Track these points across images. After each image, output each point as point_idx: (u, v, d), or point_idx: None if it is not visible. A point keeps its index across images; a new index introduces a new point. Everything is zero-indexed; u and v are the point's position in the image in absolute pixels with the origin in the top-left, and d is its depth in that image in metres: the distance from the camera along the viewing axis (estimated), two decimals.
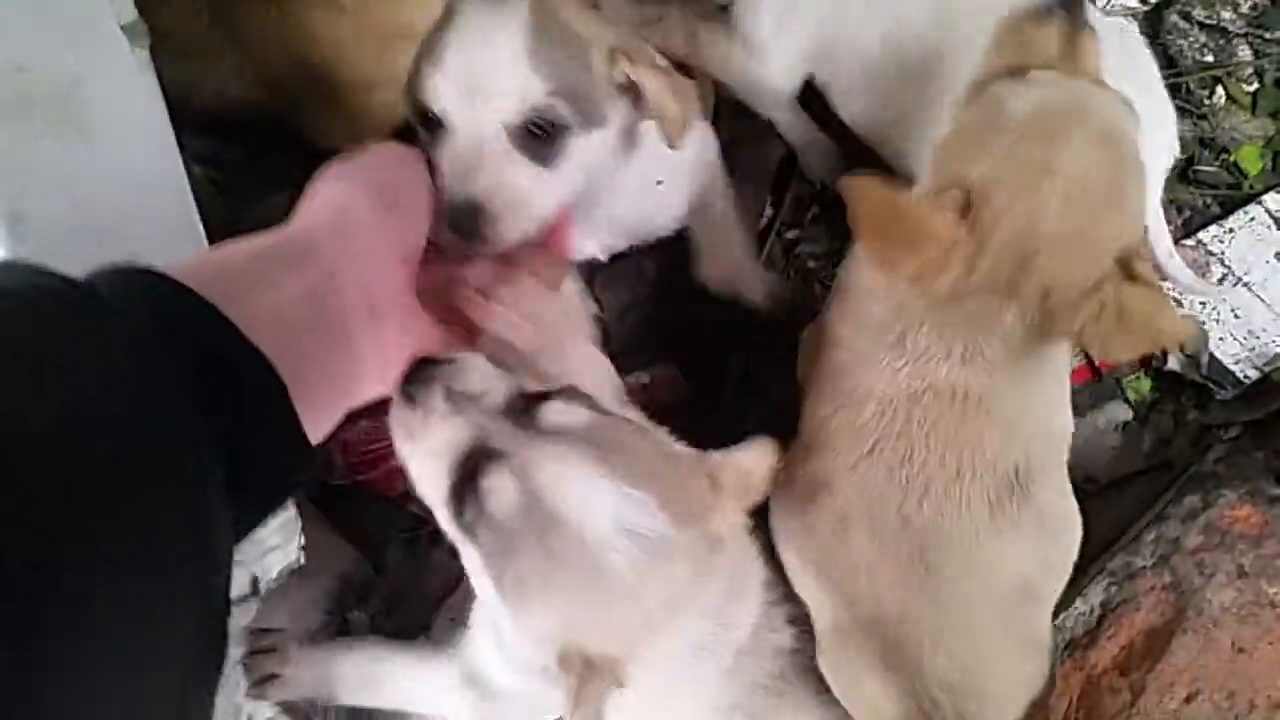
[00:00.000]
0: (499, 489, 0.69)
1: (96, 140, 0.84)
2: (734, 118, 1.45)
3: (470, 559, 0.75)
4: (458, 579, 1.29)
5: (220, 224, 1.17)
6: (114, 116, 0.87)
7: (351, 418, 1.35)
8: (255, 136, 1.38)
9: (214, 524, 0.49)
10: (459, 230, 0.80)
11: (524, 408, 0.72)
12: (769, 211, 1.50)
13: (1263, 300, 1.34)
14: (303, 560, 0.99)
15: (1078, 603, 1.15)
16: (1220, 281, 1.36)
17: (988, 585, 0.91)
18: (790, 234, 1.48)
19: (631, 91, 0.88)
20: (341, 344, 0.67)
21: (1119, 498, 1.35)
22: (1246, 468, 1.20)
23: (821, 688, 0.96)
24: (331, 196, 0.73)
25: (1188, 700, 1.05)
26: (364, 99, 1.29)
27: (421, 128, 0.87)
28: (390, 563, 1.31)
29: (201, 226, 0.94)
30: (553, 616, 0.71)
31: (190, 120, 1.24)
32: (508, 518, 0.69)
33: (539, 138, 0.82)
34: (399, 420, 0.74)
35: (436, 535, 1.31)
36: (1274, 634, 1.05)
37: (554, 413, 0.72)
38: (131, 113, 0.89)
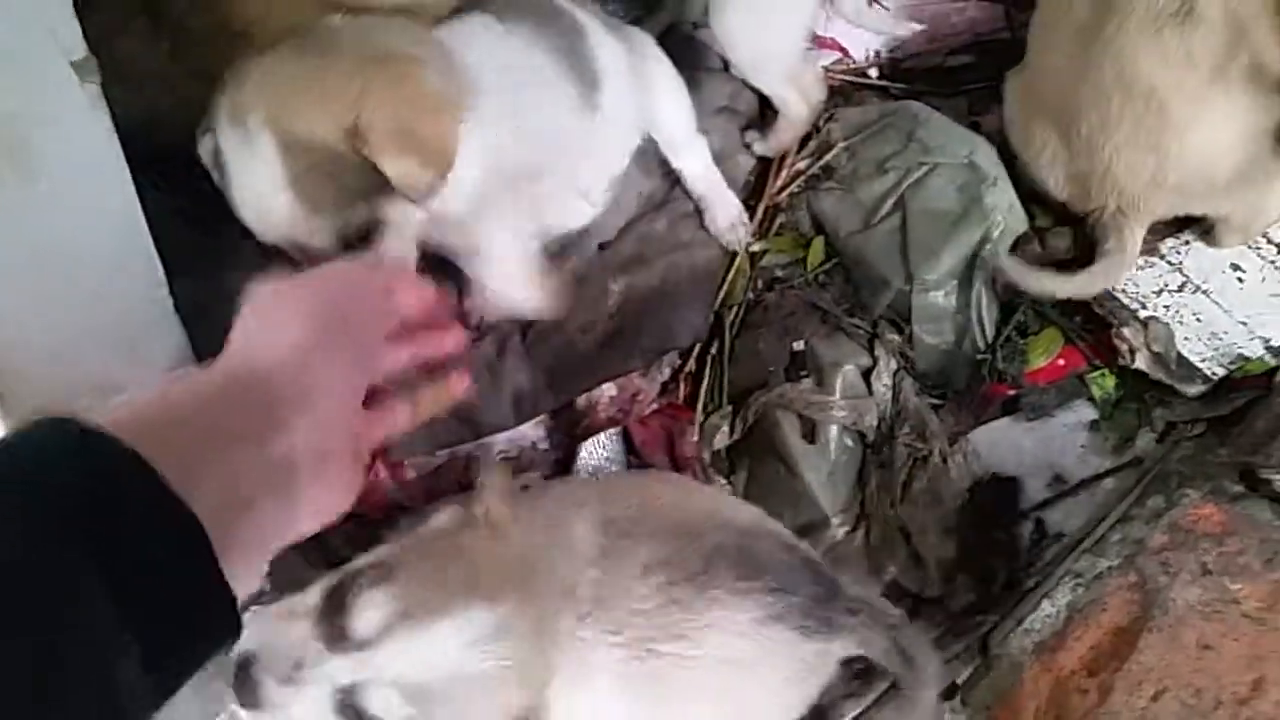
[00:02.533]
0: (385, 701, 0.76)
1: (44, 178, 0.84)
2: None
3: None
4: None
5: (187, 254, 1.18)
6: (64, 154, 0.87)
7: None
8: None
9: (123, 697, 0.46)
10: None
11: (330, 629, 0.78)
12: None
13: (1221, 306, 1.36)
14: (267, 586, 0.99)
15: (1045, 605, 1.16)
16: (1180, 290, 1.38)
17: None
18: (757, 245, 1.49)
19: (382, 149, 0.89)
20: (284, 495, 0.61)
21: (1089, 497, 1.36)
22: (1209, 466, 1.21)
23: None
24: (278, 323, 0.67)
25: (1155, 698, 1.06)
26: None
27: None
28: None
29: (159, 262, 0.94)
30: None
31: (156, 150, 1.25)
32: (407, 714, 0.77)
33: (364, 235, 0.88)
34: None
35: None
36: (1238, 630, 1.06)
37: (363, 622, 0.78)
38: (82, 150, 0.89)
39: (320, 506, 0.65)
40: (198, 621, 0.52)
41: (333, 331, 0.68)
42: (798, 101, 1.47)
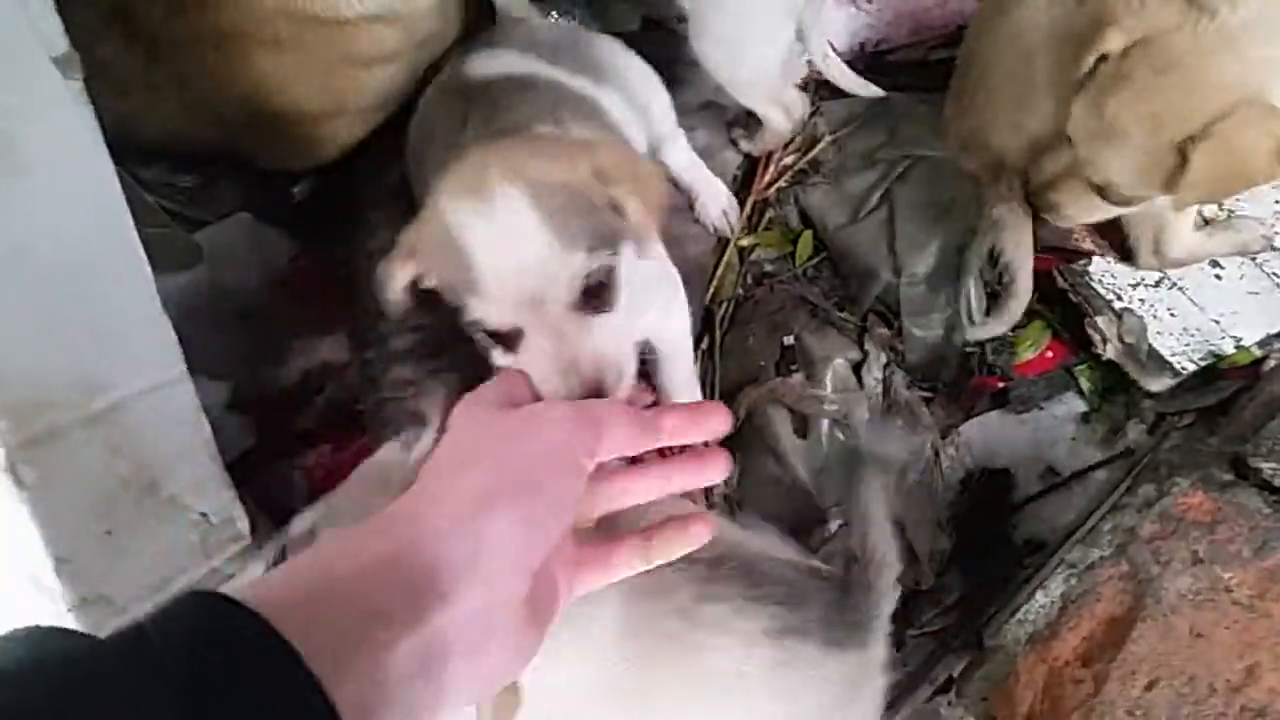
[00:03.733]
0: None
1: (28, 173, 0.83)
2: (685, 130, 1.46)
3: None
4: None
5: (173, 252, 1.17)
6: (48, 149, 0.86)
7: (313, 441, 1.34)
8: (206, 162, 1.37)
9: None
10: None
11: None
12: None
13: (1195, 303, 1.36)
14: None
15: (1039, 595, 1.16)
16: (1157, 285, 1.38)
17: None
18: (745, 240, 1.49)
19: (621, 212, 0.89)
20: (435, 676, 0.55)
21: (1080, 488, 1.37)
22: (1199, 455, 1.22)
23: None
24: (458, 465, 0.61)
25: (1149, 688, 1.06)
26: (312, 129, 1.28)
27: (493, 342, 0.87)
28: None
29: (146, 258, 0.93)
30: None
31: (139, 149, 1.23)
32: None
33: (597, 293, 0.83)
34: None
35: None
36: (1230, 618, 1.06)
37: None
38: (67, 145, 0.88)
39: (479, 680, 0.58)
40: None
41: (518, 484, 0.60)
42: (780, 118, 1.47)
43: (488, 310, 0.82)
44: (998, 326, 1.38)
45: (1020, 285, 1.35)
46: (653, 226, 0.88)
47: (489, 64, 1.17)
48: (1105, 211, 1.21)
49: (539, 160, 0.85)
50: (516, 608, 0.59)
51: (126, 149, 0.95)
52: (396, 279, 0.87)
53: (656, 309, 1.11)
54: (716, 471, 0.72)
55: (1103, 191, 1.15)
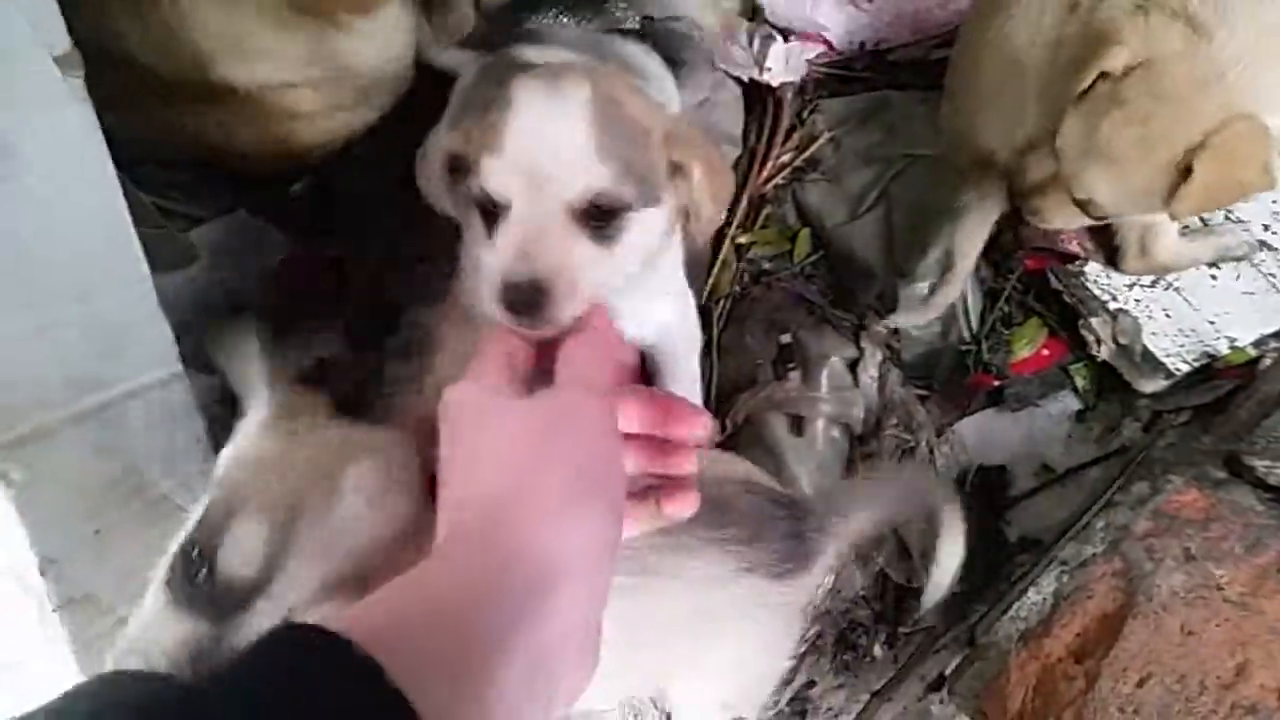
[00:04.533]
0: None
1: (25, 171, 0.83)
2: None
3: None
4: None
5: (166, 252, 1.17)
6: (48, 147, 0.86)
7: None
8: (198, 163, 1.37)
9: None
10: (517, 309, 0.77)
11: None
12: (722, 216, 1.51)
13: (1190, 304, 1.36)
14: None
15: (1031, 593, 1.17)
16: (1152, 286, 1.38)
17: None
18: (743, 238, 1.49)
19: (678, 177, 0.88)
20: (547, 693, 0.53)
21: (1075, 486, 1.37)
22: (1193, 453, 1.22)
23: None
24: (529, 468, 0.58)
25: (1140, 684, 1.06)
26: (272, 162, 1.31)
27: (479, 212, 0.85)
28: None
29: (143, 257, 0.93)
30: None
31: (130, 148, 1.24)
32: None
33: (600, 217, 0.82)
34: None
35: None
36: (1221, 616, 1.06)
37: None
38: (66, 142, 0.88)
39: (584, 681, 0.56)
40: None
41: (595, 479, 0.60)
42: None
43: (493, 169, 0.81)
44: (918, 316, 1.38)
45: (954, 278, 1.34)
46: (712, 214, 0.89)
47: (539, 53, 1.18)
48: (1085, 220, 1.21)
49: (622, 90, 0.86)
50: (607, 596, 0.58)
51: (123, 147, 0.95)
52: (438, 150, 0.88)
53: (672, 308, 1.11)
54: (687, 467, 0.71)
55: (1084, 206, 1.15)
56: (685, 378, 1.19)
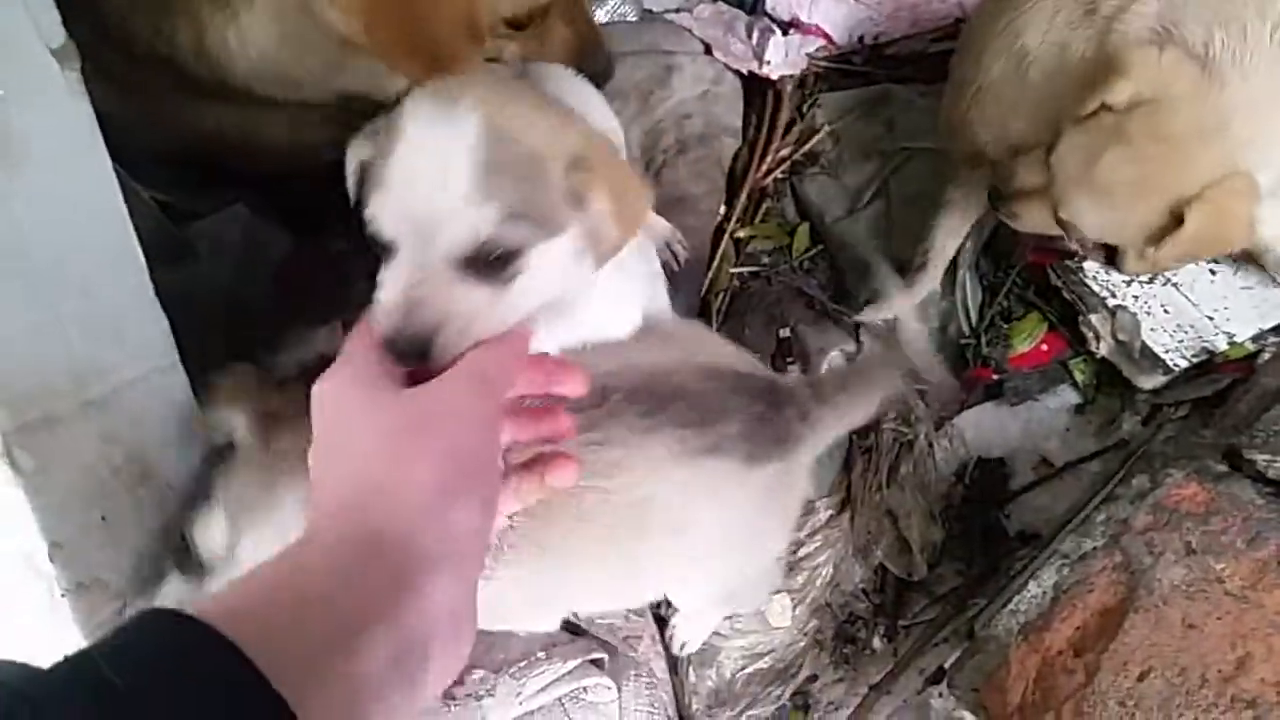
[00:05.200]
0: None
1: (25, 164, 0.83)
2: (680, 118, 1.47)
3: None
4: None
5: (165, 247, 1.17)
6: (46, 140, 0.86)
7: None
8: (199, 158, 1.37)
9: None
10: (402, 359, 0.72)
11: None
12: (722, 210, 1.51)
13: (1190, 300, 1.36)
14: None
15: (1031, 585, 1.17)
16: (1150, 282, 1.37)
17: None
18: (742, 232, 1.49)
19: (581, 205, 0.82)
20: (412, 679, 0.53)
21: (1075, 479, 1.37)
22: (1193, 446, 1.22)
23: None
24: (404, 457, 0.58)
25: (1141, 678, 1.06)
26: (289, 160, 1.29)
27: (371, 243, 0.79)
28: None
29: (141, 251, 0.93)
30: None
31: (129, 146, 1.23)
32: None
33: (491, 263, 0.76)
34: None
35: None
36: (1222, 609, 1.06)
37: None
38: (64, 137, 0.88)
39: (452, 669, 0.57)
40: None
41: (466, 467, 0.60)
42: None
43: (379, 209, 0.76)
44: (888, 310, 1.37)
45: (931, 270, 1.34)
46: (617, 241, 0.83)
47: None
48: (1057, 232, 1.21)
49: (522, 114, 0.79)
50: (476, 590, 0.59)
51: (121, 142, 0.95)
52: (349, 156, 0.85)
53: (641, 304, 1.08)
54: (563, 429, 0.73)
55: (1064, 226, 1.15)
56: None
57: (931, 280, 1.35)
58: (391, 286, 0.75)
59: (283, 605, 0.49)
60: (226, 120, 1.19)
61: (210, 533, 0.91)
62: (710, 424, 0.97)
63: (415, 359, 0.72)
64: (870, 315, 1.38)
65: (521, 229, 0.76)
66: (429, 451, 0.59)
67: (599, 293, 0.95)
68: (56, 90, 0.89)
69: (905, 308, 1.37)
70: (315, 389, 0.65)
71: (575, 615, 1.32)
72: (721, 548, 1.06)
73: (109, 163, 0.92)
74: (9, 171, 0.83)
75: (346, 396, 0.64)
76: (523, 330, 0.75)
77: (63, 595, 0.81)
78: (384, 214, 0.75)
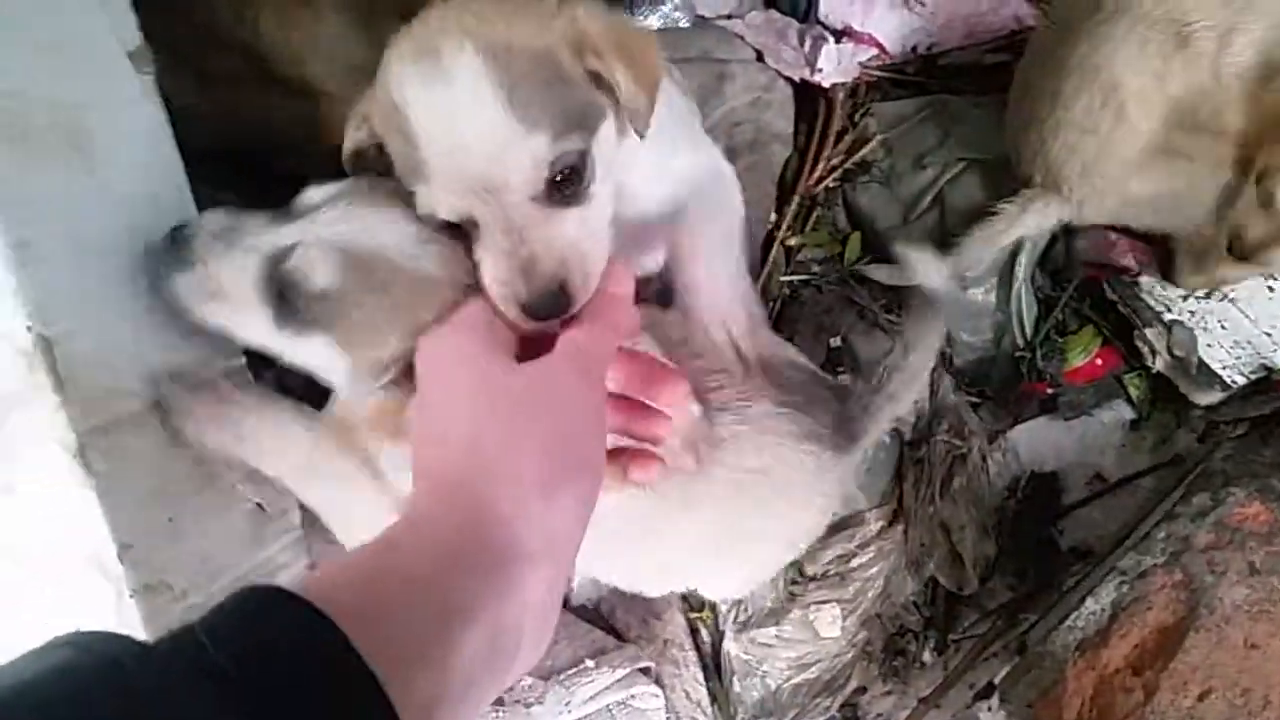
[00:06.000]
0: (310, 261, 0.73)
1: (101, 166, 0.84)
2: (731, 125, 1.46)
3: (317, 354, 0.77)
4: None
5: None
6: (119, 142, 0.86)
7: None
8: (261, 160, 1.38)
9: None
10: (543, 318, 0.71)
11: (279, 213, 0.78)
12: (773, 217, 1.50)
13: (1248, 316, 1.34)
14: None
15: (1089, 602, 1.15)
16: (1207, 297, 1.36)
17: None
18: (793, 239, 1.49)
19: (600, 79, 0.77)
20: (504, 667, 0.54)
21: (1129, 495, 1.36)
22: (1254, 465, 1.21)
23: None
24: (512, 438, 0.58)
25: (1201, 698, 1.05)
26: None
27: (449, 232, 0.77)
28: None
29: None
30: (398, 337, 0.73)
31: (201, 144, 1.25)
32: (330, 281, 0.73)
33: (565, 183, 0.73)
34: (190, 295, 0.77)
35: None
36: None
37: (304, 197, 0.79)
38: (137, 137, 0.89)
39: (539, 653, 0.57)
40: None
41: (575, 465, 0.59)
42: None
43: (437, 199, 0.73)
44: (884, 275, 1.37)
45: (956, 258, 1.32)
46: (648, 103, 0.77)
47: None
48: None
49: (501, 20, 0.72)
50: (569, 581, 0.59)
51: (193, 138, 0.96)
52: (345, 146, 0.81)
53: (694, 162, 1.00)
54: (660, 434, 0.72)
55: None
56: (715, 251, 1.01)
57: (959, 264, 1.34)
58: (495, 259, 0.73)
59: (387, 588, 0.50)
60: (300, 115, 1.20)
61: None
62: (811, 411, 0.98)
63: (559, 311, 0.72)
64: (885, 276, 1.38)
65: (574, 137, 0.73)
66: (538, 436, 0.58)
67: (645, 160, 0.89)
68: (132, 93, 0.90)
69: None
70: (426, 347, 0.66)
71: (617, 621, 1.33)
72: (794, 537, 1.09)
73: (180, 164, 0.93)
74: (85, 173, 0.84)
75: (460, 361, 0.64)
76: (622, 303, 0.73)
77: (131, 596, 0.81)
78: (444, 200, 0.73)
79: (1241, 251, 1.21)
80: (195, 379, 0.86)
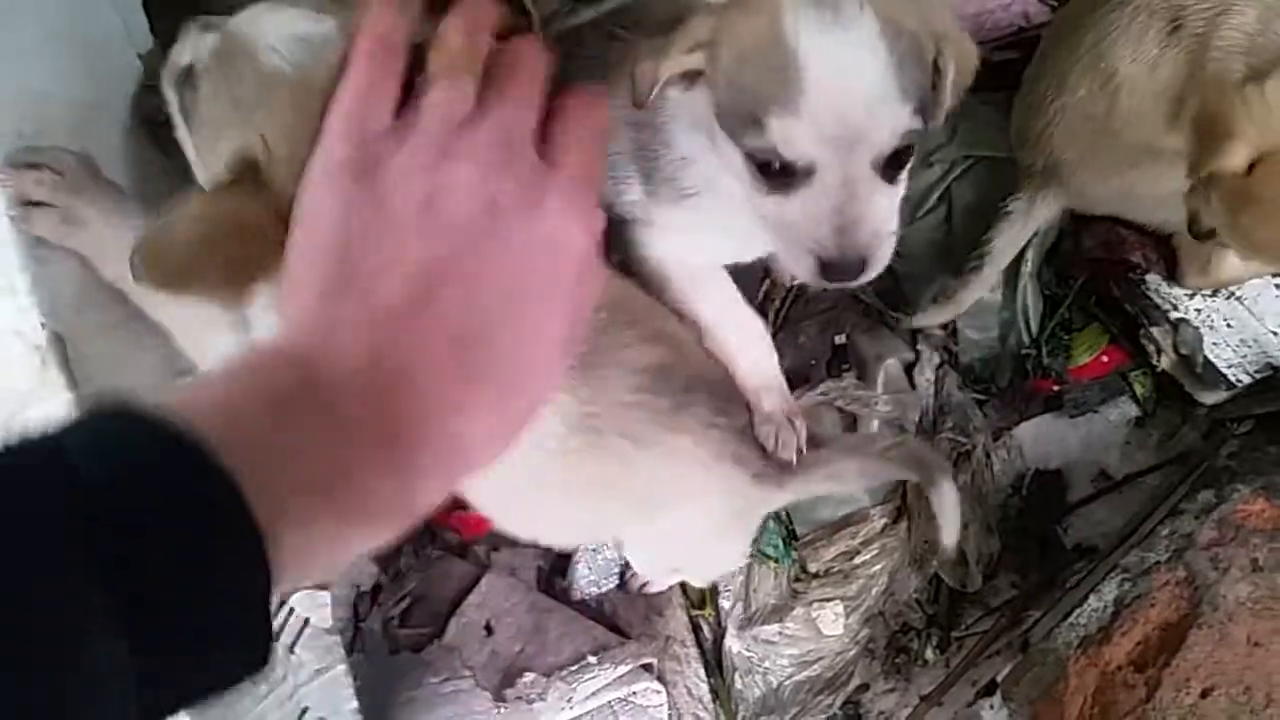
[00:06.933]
0: (189, 42, 0.71)
1: (115, 168, 0.85)
2: None
3: (189, 152, 0.73)
4: (470, 586, 1.31)
5: None
6: (129, 142, 0.88)
7: None
8: None
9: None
10: (835, 279, 0.75)
11: None
12: None
13: (1254, 314, 1.33)
14: None
15: (1091, 599, 1.16)
16: (1214, 295, 1.35)
17: None
18: None
19: (942, 76, 0.79)
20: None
21: (1133, 493, 1.36)
22: (1259, 462, 1.20)
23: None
24: (446, 368, 0.51)
25: (1203, 695, 1.05)
26: None
27: (753, 165, 0.77)
28: (403, 569, 1.32)
29: None
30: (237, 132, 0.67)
31: None
32: (193, 58, 0.70)
33: (899, 159, 0.76)
34: None
35: (448, 544, 1.34)
36: None
37: None
38: (146, 138, 0.91)
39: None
40: (217, 661, 0.42)
41: (509, 381, 0.53)
42: None
43: (793, 134, 0.73)
44: (939, 315, 1.35)
45: (981, 279, 1.31)
46: (949, 105, 0.80)
47: None
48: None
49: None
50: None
51: None
52: (665, 67, 0.77)
53: None
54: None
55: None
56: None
57: (983, 286, 1.34)
58: (817, 211, 0.74)
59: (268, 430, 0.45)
60: None
61: None
62: (743, 438, 0.97)
63: (848, 278, 0.75)
64: (921, 321, 1.37)
65: (919, 119, 0.75)
66: (459, 324, 0.51)
67: None
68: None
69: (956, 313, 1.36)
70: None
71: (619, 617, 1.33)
72: (692, 537, 1.08)
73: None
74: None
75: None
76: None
77: None
78: (800, 136, 0.73)
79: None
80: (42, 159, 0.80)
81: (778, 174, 0.75)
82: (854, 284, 0.76)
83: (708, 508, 1.02)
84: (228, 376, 0.48)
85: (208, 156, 0.69)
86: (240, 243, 0.62)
